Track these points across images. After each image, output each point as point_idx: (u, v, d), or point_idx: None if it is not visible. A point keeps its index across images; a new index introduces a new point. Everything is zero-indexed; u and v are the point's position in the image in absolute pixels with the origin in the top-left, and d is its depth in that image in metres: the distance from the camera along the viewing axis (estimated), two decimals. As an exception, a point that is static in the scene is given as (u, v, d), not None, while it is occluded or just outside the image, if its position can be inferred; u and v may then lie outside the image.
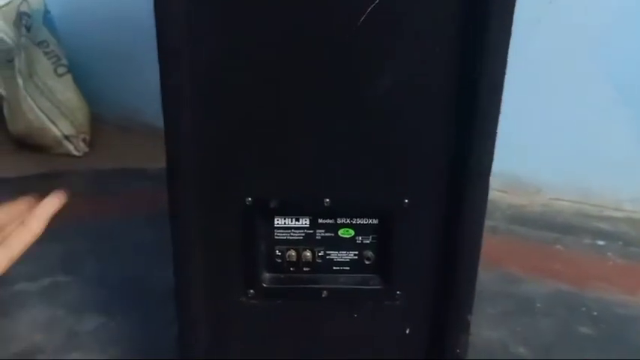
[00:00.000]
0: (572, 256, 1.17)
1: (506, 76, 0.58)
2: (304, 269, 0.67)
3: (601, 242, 1.22)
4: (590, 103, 1.32)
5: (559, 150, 1.37)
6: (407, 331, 0.70)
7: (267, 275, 0.68)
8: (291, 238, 0.67)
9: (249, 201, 0.64)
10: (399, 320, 0.70)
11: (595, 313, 0.99)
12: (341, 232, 0.67)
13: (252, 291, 0.68)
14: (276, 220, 0.67)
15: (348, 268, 0.68)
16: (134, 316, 0.94)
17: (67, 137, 1.69)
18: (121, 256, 1.12)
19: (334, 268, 0.68)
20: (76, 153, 1.70)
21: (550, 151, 1.38)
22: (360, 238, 0.67)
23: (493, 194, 1.17)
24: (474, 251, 0.65)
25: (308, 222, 0.67)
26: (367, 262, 0.67)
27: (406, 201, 0.64)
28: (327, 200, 0.64)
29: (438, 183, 0.63)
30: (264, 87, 0.60)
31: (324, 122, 0.62)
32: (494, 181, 0.63)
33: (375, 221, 0.66)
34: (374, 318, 0.69)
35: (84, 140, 1.72)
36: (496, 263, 1.10)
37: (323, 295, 0.68)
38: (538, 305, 1.01)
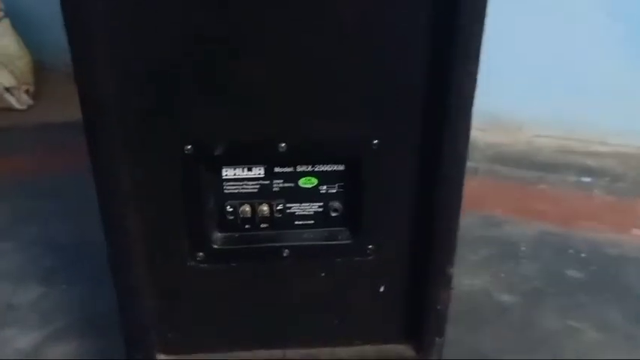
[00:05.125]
0: (557, 195, 1.11)
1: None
2: (261, 226, 0.60)
3: (587, 179, 1.17)
4: (575, 26, 1.22)
5: (540, 82, 1.28)
6: (381, 289, 0.64)
7: (218, 235, 0.60)
8: (243, 190, 0.59)
9: (188, 149, 0.54)
10: (372, 277, 0.63)
11: (584, 255, 0.94)
12: (302, 182, 0.59)
13: (201, 254, 0.59)
14: (224, 170, 0.58)
15: (312, 222, 0.61)
16: (81, 285, 0.84)
17: (7, 89, 1.55)
18: (67, 216, 1.01)
19: (296, 222, 0.61)
20: (18, 106, 1.57)
21: (531, 84, 1.29)
22: (325, 188, 0.59)
23: (471, 133, 1.10)
24: (455, 197, 0.57)
25: (262, 171, 0.58)
26: (334, 215, 0.60)
27: (375, 142, 0.55)
28: (283, 145, 0.55)
29: (413, 119, 0.54)
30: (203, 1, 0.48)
31: (277, 46, 0.51)
32: (472, 118, 0.54)
33: (341, 167, 0.58)
34: (344, 276, 0.62)
35: (27, 92, 1.58)
36: (476, 206, 1.03)
37: (284, 255, 0.60)
38: (523, 249, 0.96)
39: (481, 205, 1.04)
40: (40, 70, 1.68)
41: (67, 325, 0.77)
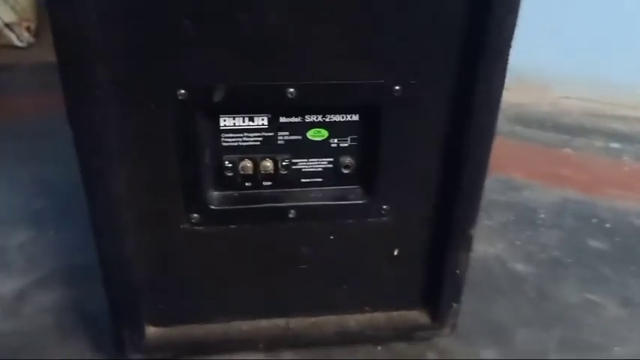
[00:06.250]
0: (583, 161, 1.04)
1: None
2: (264, 184, 0.55)
3: (616, 145, 1.09)
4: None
5: (569, 38, 1.19)
6: (395, 253, 0.59)
7: (214, 194, 0.55)
8: (244, 143, 0.53)
9: (182, 94, 0.48)
10: (385, 240, 0.58)
11: (608, 225, 0.88)
12: (310, 134, 0.54)
13: (196, 215, 0.54)
14: (222, 120, 0.52)
15: (320, 179, 0.56)
16: (71, 231, 0.79)
17: (7, 25, 1.48)
18: (65, 158, 0.95)
19: (303, 180, 0.56)
20: (19, 43, 1.50)
21: (559, 40, 1.19)
22: (336, 141, 0.54)
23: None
24: (485, 150, 0.52)
25: (266, 121, 0.53)
26: (345, 172, 0.56)
27: (397, 88, 0.49)
28: (292, 90, 0.49)
29: (443, 62, 0.48)
30: None
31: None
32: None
33: (355, 117, 0.53)
34: (355, 239, 0.58)
35: (28, 29, 1.51)
36: (495, 169, 0.96)
37: (290, 216, 0.56)
38: (542, 216, 0.89)
39: (499, 168, 0.97)
40: (43, 7, 1.59)
41: (53, 272, 0.72)
